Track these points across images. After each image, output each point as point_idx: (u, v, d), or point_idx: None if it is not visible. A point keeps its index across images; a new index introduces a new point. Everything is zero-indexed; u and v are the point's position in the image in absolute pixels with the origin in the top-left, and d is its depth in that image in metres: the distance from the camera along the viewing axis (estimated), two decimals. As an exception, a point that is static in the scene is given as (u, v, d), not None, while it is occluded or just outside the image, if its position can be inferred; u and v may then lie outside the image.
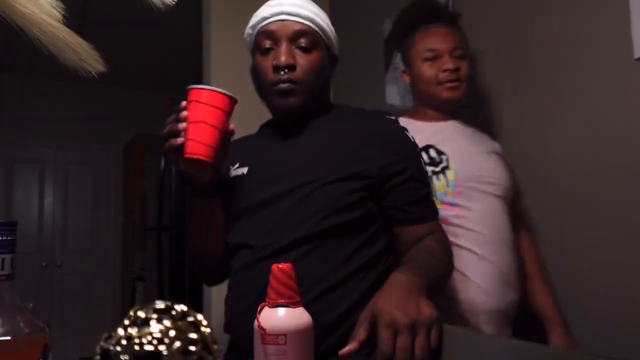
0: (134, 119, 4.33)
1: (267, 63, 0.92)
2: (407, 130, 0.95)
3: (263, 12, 0.94)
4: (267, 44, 0.93)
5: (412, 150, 0.94)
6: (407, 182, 0.90)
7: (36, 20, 0.57)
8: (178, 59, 3.72)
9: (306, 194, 0.87)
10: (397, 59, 1.86)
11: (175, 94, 4.16)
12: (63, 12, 0.59)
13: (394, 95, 1.88)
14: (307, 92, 0.93)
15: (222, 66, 2.13)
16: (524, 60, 1.41)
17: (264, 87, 0.95)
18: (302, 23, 0.92)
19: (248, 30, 0.98)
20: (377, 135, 0.91)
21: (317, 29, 0.94)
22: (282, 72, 0.90)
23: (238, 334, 0.88)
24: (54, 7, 0.59)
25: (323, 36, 0.95)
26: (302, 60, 0.92)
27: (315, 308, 0.81)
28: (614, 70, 1.18)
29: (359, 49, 2.05)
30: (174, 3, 0.63)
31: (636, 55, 1.13)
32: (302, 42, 0.92)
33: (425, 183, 0.93)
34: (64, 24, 0.60)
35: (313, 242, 0.85)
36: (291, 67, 0.90)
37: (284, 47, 0.91)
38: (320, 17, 0.95)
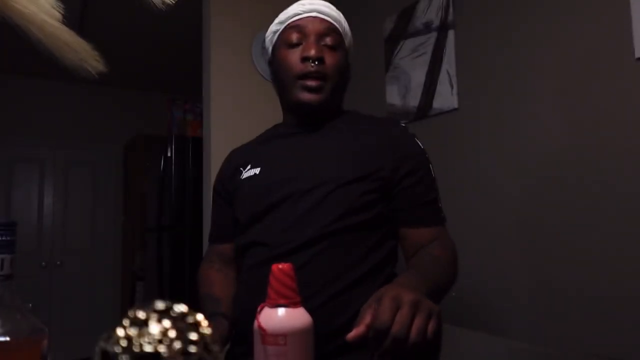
0: (134, 119, 4.32)
1: (294, 56, 0.94)
2: (416, 137, 0.97)
3: (295, 9, 0.97)
4: (295, 38, 0.95)
5: (421, 155, 0.95)
6: (415, 186, 0.91)
7: (36, 20, 0.57)
8: (178, 59, 3.72)
9: (321, 195, 0.88)
10: (398, 58, 1.86)
11: (175, 94, 4.18)
12: (63, 12, 0.59)
13: (394, 95, 1.88)
14: (332, 89, 0.95)
15: (222, 66, 2.13)
16: (524, 60, 1.41)
17: (288, 80, 0.95)
18: (331, 22, 0.96)
19: (274, 27, 1.00)
20: (388, 139, 0.93)
21: (342, 31, 0.98)
22: (312, 64, 0.91)
23: (249, 329, 0.89)
24: (53, 7, 0.59)
25: (345, 40, 0.99)
26: (329, 57, 0.94)
27: (328, 308, 0.82)
28: (614, 70, 1.18)
29: (359, 49, 2.05)
30: (173, 2, 0.63)
31: (636, 55, 1.13)
32: (329, 40, 0.94)
33: (433, 188, 0.94)
34: (64, 23, 0.60)
35: (326, 241, 0.86)
36: (321, 60, 0.92)
37: (313, 41, 0.93)
38: (345, 22, 0.99)
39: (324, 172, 0.90)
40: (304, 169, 0.92)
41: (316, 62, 0.91)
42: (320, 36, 0.94)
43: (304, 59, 0.92)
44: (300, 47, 0.94)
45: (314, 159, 0.93)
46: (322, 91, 0.93)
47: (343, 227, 0.86)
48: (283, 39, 0.97)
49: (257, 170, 0.98)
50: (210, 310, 0.94)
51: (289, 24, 0.97)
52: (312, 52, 0.91)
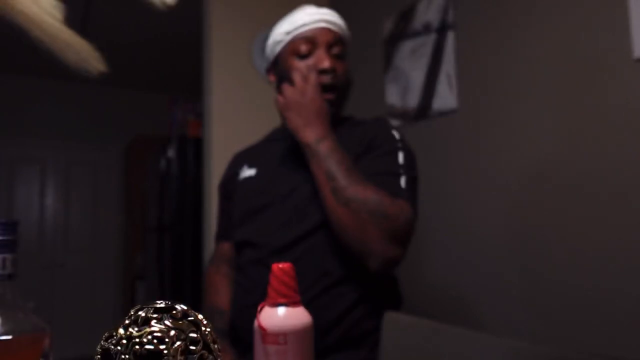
0: (134, 119, 4.33)
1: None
2: (394, 129, 0.96)
3: (302, 19, 0.96)
4: (305, 49, 0.94)
5: (388, 139, 0.93)
6: (374, 159, 0.89)
7: (38, 20, 0.57)
8: (178, 59, 3.72)
9: (308, 192, 0.89)
10: (397, 59, 1.87)
11: (175, 94, 4.18)
12: (64, 13, 0.60)
13: (393, 95, 1.88)
14: (341, 98, 0.97)
15: (222, 66, 2.13)
16: (523, 61, 1.41)
17: None
18: (337, 32, 0.97)
19: (278, 37, 0.98)
20: (366, 139, 0.93)
21: (345, 40, 1.00)
22: (327, 76, 0.92)
23: (243, 328, 0.89)
24: (55, 8, 0.59)
25: (347, 49, 1.01)
26: (338, 67, 0.95)
27: (318, 304, 0.82)
28: (614, 70, 1.18)
29: (359, 49, 2.05)
30: (174, 4, 0.63)
31: (636, 55, 1.13)
32: (336, 50, 0.96)
33: (396, 166, 0.89)
34: (66, 24, 0.60)
35: (310, 242, 0.86)
36: (334, 71, 0.93)
37: (324, 52, 0.94)
38: (347, 30, 1.01)
39: (309, 174, 0.90)
40: (296, 172, 0.93)
41: (331, 74, 0.93)
42: (329, 46, 0.95)
43: (321, 72, 0.92)
44: (312, 58, 0.94)
45: (303, 162, 0.93)
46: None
47: (326, 228, 0.86)
48: (291, 50, 0.96)
49: (252, 172, 1.00)
50: (215, 326, 0.95)
51: (298, 35, 0.95)
52: (327, 64, 0.92)
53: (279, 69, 0.99)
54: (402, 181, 0.87)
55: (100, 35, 3.09)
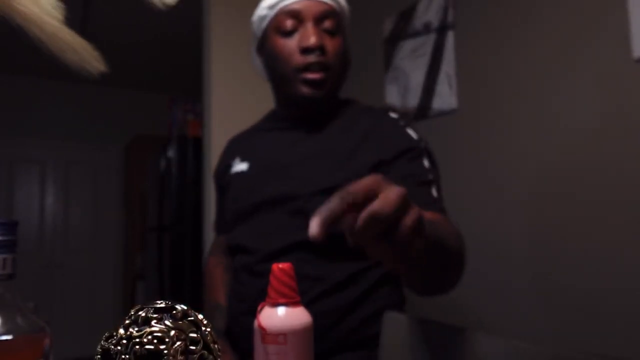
0: (134, 119, 4.33)
1: (291, 46, 0.83)
2: (408, 127, 0.87)
3: None
4: (290, 25, 0.83)
5: (408, 145, 0.83)
6: (401, 167, 0.80)
7: (37, 20, 0.57)
8: (178, 58, 3.72)
9: (304, 201, 0.83)
10: (397, 59, 1.87)
11: (175, 94, 4.18)
12: (64, 13, 0.59)
13: (393, 95, 1.88)
14: (335, 81, 0.86)
15: (222, 66, 2.13)
16: (523, 60, 1.41)
17: (286, 74, 0.85)
18: (328, 4, 0.85)
19: (262, 12, 0.88)
20: (375, 135, 0.84)
21: (339, 12, 0.87)
22: (313, 55, 0.81)
23: (239, 335, 0.87)
24: (55, 8, 0.59)
25: (343, 22, 0.89)
26: (329, 44, 0.83)
27: (314, 309, 0.80)
28: (614, 70, 1.18)
29: (359, 49, 2.05)
30: (174, 3, 0.63)
31: (636, 55, 1.13)
32: (327, 24, 0.84)
33: (426, 173, 0.80)
34: (65, 24, 0.60)
35: (307, 248, 0.82)
36: (322, 49, 0.81)
37: (311, 27, 0.82)
38: (343, 2, 0.89)
39: (306, 177, 0.83)
40: (288, 171, 0.86)
41: (317, 52, 0.81)
42: (318, 20, 0.83)
43: (304, 51, 0.82)
44: (297, 36, 0.83)
45: (300, 161, 0.86)
46: (325, 85, 0.84)
47: (329, 237, 0.81)
48: (275, 26, 0.85)
49: (244, 167, 0.93)
50: (215, 323, 0.93)
51: (281, 9, 0.84)
52: (313, 41, 0.80)
53: (266, 48, 0.89)
54: (434, 191, 0.79)
55: (100, 35, 3.09)
